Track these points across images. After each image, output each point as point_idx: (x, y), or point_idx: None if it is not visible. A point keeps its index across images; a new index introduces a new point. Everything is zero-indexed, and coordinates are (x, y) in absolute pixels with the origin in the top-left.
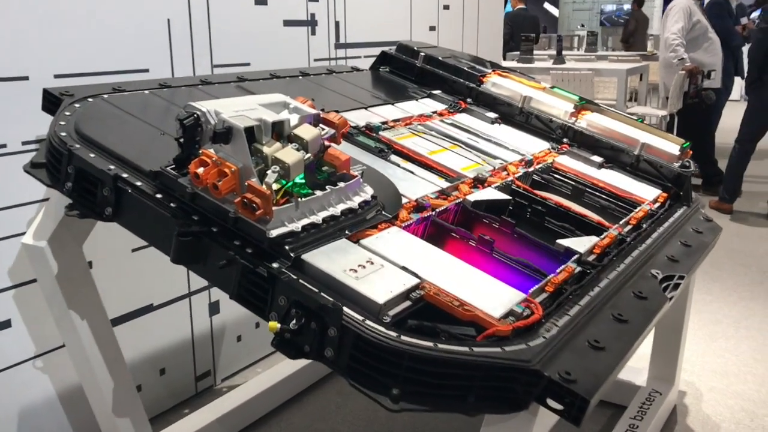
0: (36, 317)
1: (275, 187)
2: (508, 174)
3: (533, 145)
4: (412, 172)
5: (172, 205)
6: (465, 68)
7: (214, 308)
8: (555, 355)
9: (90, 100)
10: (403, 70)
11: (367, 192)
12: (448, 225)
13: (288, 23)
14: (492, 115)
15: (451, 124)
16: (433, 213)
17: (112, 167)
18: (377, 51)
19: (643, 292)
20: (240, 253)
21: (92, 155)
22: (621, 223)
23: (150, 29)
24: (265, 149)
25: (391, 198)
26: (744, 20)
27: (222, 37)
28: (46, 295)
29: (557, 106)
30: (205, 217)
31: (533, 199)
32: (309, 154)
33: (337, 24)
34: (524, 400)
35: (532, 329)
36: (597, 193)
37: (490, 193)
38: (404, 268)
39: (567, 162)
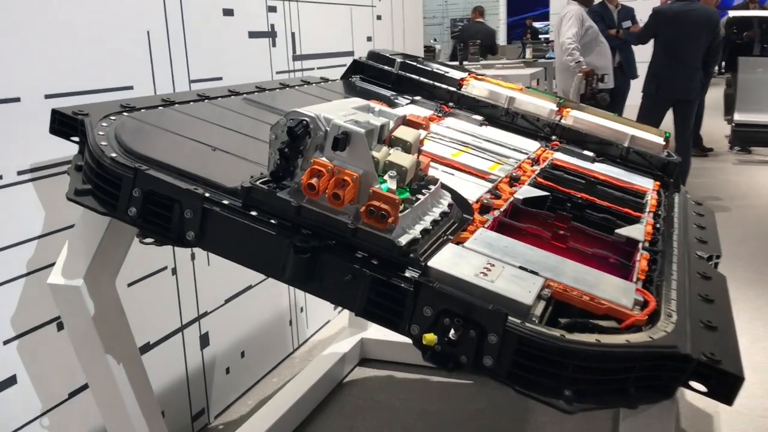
0: (41, 369)
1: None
2: (524, 172)
3: (527, 144)
4: (452, 175)
5: (272, 222)
6: (443, 73)
7: (204, 340)
8: (688, 339)
9: (113, 118)
10: (379, 78)
11: (446, 195)
12: (518, 224)
13: (252, 35)
14: (478, 117)
15: (448, 128)
16: (498, 212)
17: (184, 185)
18: (328, 62)
19: (706, 272)
20: (366, 265)
21: (164, 175)
22: (647, 211)
23: (131, 47)
24: (375, 154)
25: (458, 200)
26: (627, 23)
27: (196, 51)
28: (78, 341)
29: (541, 105)
30: (314, 231)
31: (559, 193)
32: (414, 157)
33: (293, 35)
34: (671, 385)
35: (654, 317)
36: (606, 186)
37: (530, 191)
38: (522, 268)
39: (564, 158)
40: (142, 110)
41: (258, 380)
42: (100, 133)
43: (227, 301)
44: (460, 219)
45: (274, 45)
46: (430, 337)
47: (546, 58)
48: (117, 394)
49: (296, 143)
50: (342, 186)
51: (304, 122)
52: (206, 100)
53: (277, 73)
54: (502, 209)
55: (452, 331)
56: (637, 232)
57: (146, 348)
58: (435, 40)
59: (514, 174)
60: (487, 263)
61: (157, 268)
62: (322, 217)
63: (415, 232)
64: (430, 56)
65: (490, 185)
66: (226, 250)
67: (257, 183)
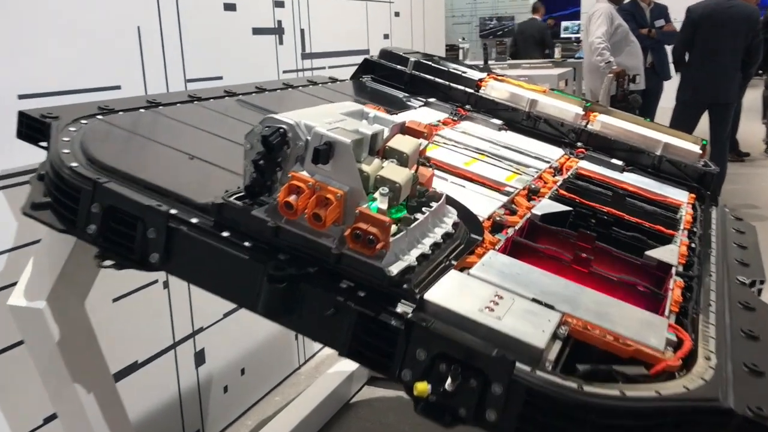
0: (13, 394)
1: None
2: (545, 183)
3: (549, 151)
4: (463, 187)
5: (246, 244)
6: (460, 73)
7: (199, 358)
8: (731, 388)
9: (84, 122)
10: (390, 78)
11: (453, 212)
12: (534, 245)
13: (257, 31)
14: (497, 121)
15: (463, 133)
16: (512, 231)
17: (154, 203)
18: (341, 61)
19: (749, 302)
20: (351, 297)
21: (125, 189)
22: (681, 229)
23: (120, 42)
24: (365, 167)
25: (467, 217)
26: (660, 22)
27: (193, 49)
28: (43, 368)
29: (566, 109)
30: (293, 256)
31: (582, 207)
32: (412, 170)
33: (302, 32)
34: None
35: (690, 359)
36: (635, 199)
37: (550, 205)
38: (535, 300)
39: (590, 167)
40: (120, 113)
41: (259, 399)
42: (65, 139)
43: (226, 315)
44: (466, 240)
45: (281, 42)
46: (422, 387)
47: (575, 58)
48: (87, 426)
49: (272, 154)
50: (324, 205)
51: (281, 130)
52: (196, 102)
53: (284, 72)
54: (517, 227)
55: (449, 380)
56: (669, 254)
57: (134, 368)
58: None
59: (533, 186)
60: (494, 295)
61: (147, 281)
62: (302, 239)
63: (411, 258)
64: (453, 56)
65: (505, 199)
66: (193, 275)
67: (231, 199)
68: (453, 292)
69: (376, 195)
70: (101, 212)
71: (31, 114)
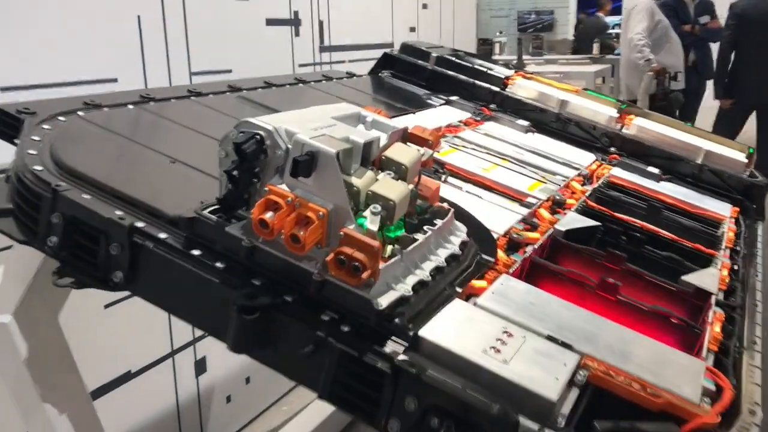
0: None
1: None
2: (573, 192)
3: (579, 157)
4: (479, 197)
5: (218, 265)
6: (486, 70)
7: (200, 367)
8: None
9: (62, 119)
10: (411, 74)
11: (461, 230)
12: (555, 267)
13: (270, 22)
14: (523, 122)
15: (486, 135)
16: (530, 250)
17: (119, 213)
18: (361, 55)
19: None
20: (333, 332)
21: (87, 197)
22: (722, 248)
23: (117, 31)
24: (355, 180)
25: (478, 233)
26: (705, 18)
27: (200, 40)
28: (10, 387)
29: (599, 111)
30: (270, 280)
31: (613, 221)
32: (411, 185)
33: (321, 24)
34: None
35: (730, 413)
36: (672, 212)
37: (577, 219)
38: (550, 338)
39: (623, 175)
40: (105, 109)
41: (264, 409)
42: (35, 138)
43: None
44: (476, 262)
45: (297, 34)
46: None
47: (615, 54)
48: None
49: (246, 164)
50: (304, 224)
51: (258, 137)
52: (194, 98)
53: (300, 66)
54: (536, 245)
55: None
56: (709, 280)
57: (126, 378)
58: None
59: (558, 196)
60: (503, 331)
61: None
62: (281, 262)
63: (406, 286)
64: (487, 50)
65: (526, 211)
66: (160, 298)
67: (204, 212)
68: (454, 328)
69: (366, 213)
70: (62, 223)
71: (6, 109)
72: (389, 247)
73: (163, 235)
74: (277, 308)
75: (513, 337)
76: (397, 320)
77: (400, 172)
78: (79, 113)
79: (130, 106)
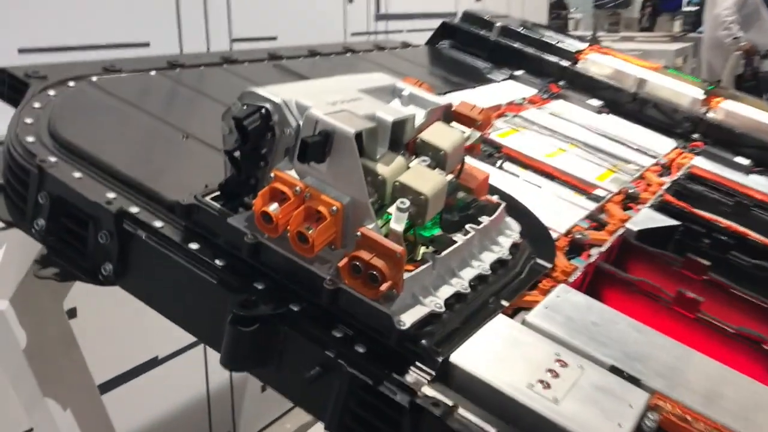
0: None
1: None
2: (648, 185)
3: (657, 143)
4: (538, 187)
5: (218, 263)
6: (556, 43)
7: None
8: None
9: (71, 84)
10: (471, 45)
11: (514, 228)
12: (624, 275)
13: None
14: (596, 102)
15: (552, 115)
16: (596, 254)
17: (112, 195)
18: (421, 25)
19: None
20: (345, 353)
21: (78, 175)
22: None
23: None
24: (381, 168)
25: (535, 232)
26: None
27: (243, 3)
28: (10, 377)
29: (682, 92)
30: (276, 283)
31: (694, 220)
32: (450, 175)
33: None
34: None
35: None
36: (765, 210)
37: (652, 217)
38: (615, 370)
39: (706, 166)
40: (124, 75)
41: None
42: (36, 105)
43: None
44: (529, 269)
45: (350, 0)
46: None
47: (697, 32)
48: None
49: (249, 143)
50: (315, 220)
51: (264, 111)
52: (226, 66)
53: (353, 35)
54: (604, 248)
55: None
56: None
57: (153, 364)
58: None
59: (632, 189)
60: (556, 358)
61: None
62: (288, 264)
63: (438, 300)
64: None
65: (593, 206)
66: (152, 296)
67: (205, 199)
68: (494, 353)
69: (392, 210)
70: (49, 204)
71: (14, 72)
72: (421, 249)
73: (158, 224)
74: (281, 319)
75: (568, 367)
76: (423, 342)
77: (437, 159)
78: (93, 78)
79: (153, 73)
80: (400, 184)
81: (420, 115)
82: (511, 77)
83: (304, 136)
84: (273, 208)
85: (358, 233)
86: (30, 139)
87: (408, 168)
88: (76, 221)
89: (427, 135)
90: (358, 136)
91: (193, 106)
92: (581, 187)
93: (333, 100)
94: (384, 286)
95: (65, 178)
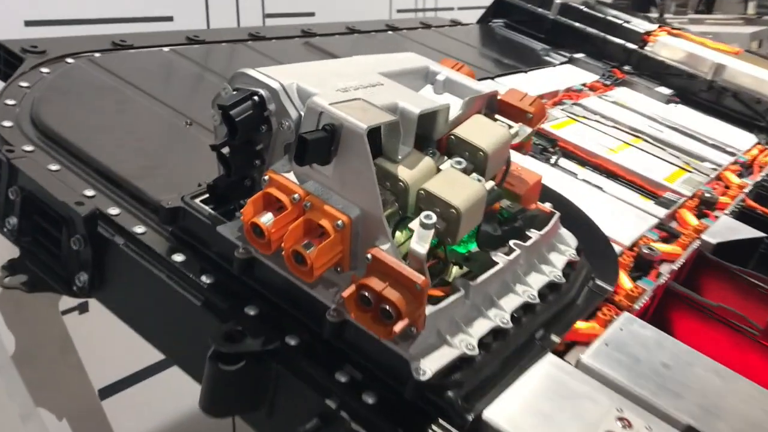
0: None
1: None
2: (727, 187)
3: (736, 139)
4: (599, 189)
5: (204, 280)
6: (622, 23)
7: None
8: None
9: (70, 62)
10: (527, 24)
11: (569, 243)
12: (701, 299)
13: None
14: (665, 90)
15: (615, 104)
16: (667, 272)
17: (90, 193)
18: (475, 2)
19: None
20: (349, 404)
21: (55, 168)
22: None
23: None
24: (403, 172)
25: (595, 246)
26: None
27: None
28: (4, 386)
29: (766, 80)
30: (272, 307)
31: None
32: (491, 182)
33: None
34: None
35: None
36: None
37: (731, 227)
38: (691, 430)
39: None
40: (133, 50)
41: None
42: (23, 84)
43: None
44: (587, 293)
45: None
46: None
47: None
48: None
49: (238, 137)
50: (316, 236)
51: (257, 97)
52: (251, 43)
53: (398, 12)
54: (676, 264)
55: None
56: None
57: (168, 363)
58: None
59: (708, 193)
60: (617, 415)
61: None
62: (287, 286)
63: (471, 339)
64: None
65: (663, 212)
66: (128, 313)
67: (194, 201)
68: (539, 409)
69: (414, 225)
70: (20, 201)
71: (9, 46)
72: (454, 270)
73: (139, 230)
74: (273, 356)
75: (632, 429)
76: (449, 394)
77: (475, 161)
78: (96, 55)
79: (165, 49)
80: (426, 192)
81: (456, 106)
82: (570, 60)
83: (304, 130)
84: (265, 219)
85: (368, 255)
86: (7, 124)
87: (438, 171)
88: (51, 221)
89: (463, 131)
90: (373, 132)
91: (203, 89)
92: (649, 189)
93: (345, 86)
94: (399, 326)
95: (34, 172)
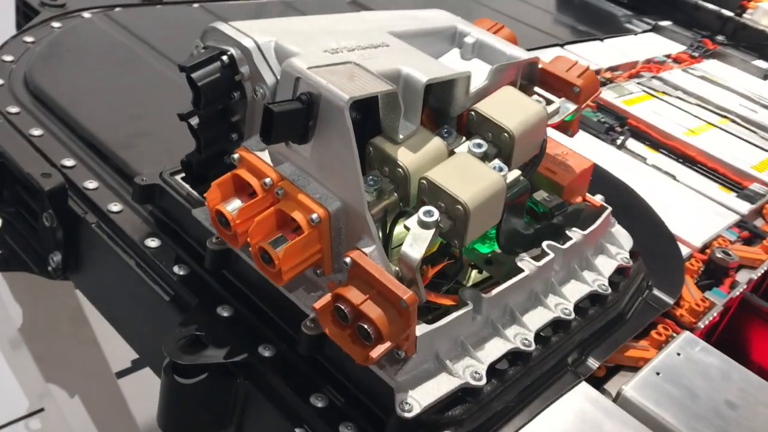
0: None
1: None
2: None
3: None
4: (671, 177)
5: (177, 271)
6: None
7: None
8: None
9: (86, 16)
10: None
11: (623, 243)
12: None
13: None
14: (764, 64)
15: (702, 79)
16: (744, 281)
17: (70, 163)
18: None
19: None
20: None
21: (38, 132)
22: None
23: None
24: (403, 155)
25: (657, 246)
26: None
27: None
28: (7, 361)
29: None
30: (249, 306)
31: None
32: (517, 171)
33: None
34: None
35: None
36: None
37: None
38: None
39: None
40: (160, 6)
41: None
42: (27, 39)
43: None
44: (641, 305)
45: None
46: None
47: None
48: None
49: (204, 106)
50: (291, 229)
51: (226, 58)
52: (293, 1)
53: None
54: (757, 273)
55: None
56: None
57: None
58: None
59: None
60: None
61: None
62: (263, 285)
63: (477, 367)
64: None
65: (747, 207)
66: (98, 299)
67: (173, 179)
68: None
69: (410, 222)
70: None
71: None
72: (472, 273)
73: (115, 207)
74: (241, 369)
75: None
76: None
77: (499, 143)
78: (116, 9)
79: (196, 5)
80: (428, 182)
81: (481, 74)
82: (655, 28)
83: (280, 99)
84: (231, 207)
85: (346, 259)
86: None
87: (454, 153)
88: (29, 193)
89: (486, 106)
90: (366, 104)
91: None
92: (732, 178)
93: (337, 47)
94: (377, 351)
95: (5, 138)
